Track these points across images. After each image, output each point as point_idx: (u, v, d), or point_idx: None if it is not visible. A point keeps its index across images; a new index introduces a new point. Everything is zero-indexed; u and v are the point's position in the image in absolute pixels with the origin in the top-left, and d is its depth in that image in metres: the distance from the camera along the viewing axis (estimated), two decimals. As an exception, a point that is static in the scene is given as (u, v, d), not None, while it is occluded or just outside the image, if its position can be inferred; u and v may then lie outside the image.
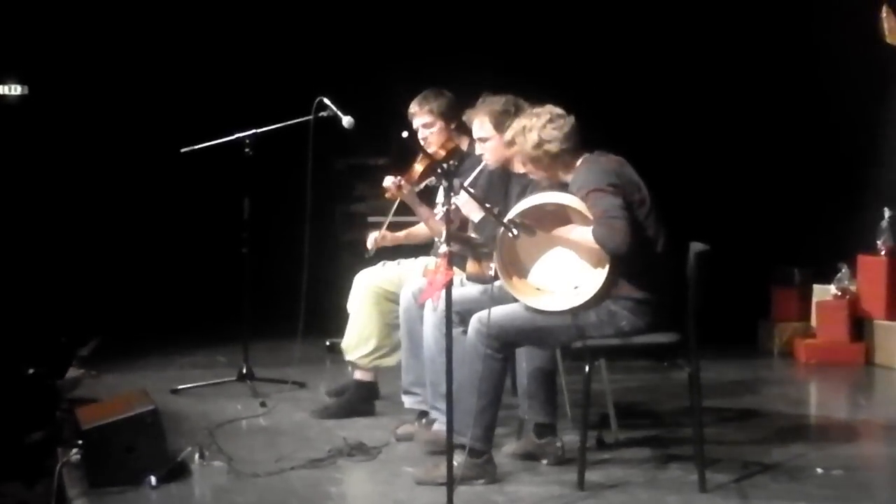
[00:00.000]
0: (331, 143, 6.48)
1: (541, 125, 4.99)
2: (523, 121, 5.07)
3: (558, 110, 5.07)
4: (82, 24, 8.68)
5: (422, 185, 5.99)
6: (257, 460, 5.35)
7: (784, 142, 8.86)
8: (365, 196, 8.31)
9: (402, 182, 5.93)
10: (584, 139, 5.06)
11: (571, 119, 5.05)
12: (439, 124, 6.01)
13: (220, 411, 6.26)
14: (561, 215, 4.96)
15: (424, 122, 6.03)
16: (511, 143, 5.10)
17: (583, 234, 4.87)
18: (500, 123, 5.41)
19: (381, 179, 6.06)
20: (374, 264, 6.24)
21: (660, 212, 5.02)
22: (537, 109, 5.08)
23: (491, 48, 8.80)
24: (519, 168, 5.46)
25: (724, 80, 8.99)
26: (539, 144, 4.99)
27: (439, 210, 5.70)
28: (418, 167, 5.92)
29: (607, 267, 4.85)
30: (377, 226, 6.31)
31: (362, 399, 6.24)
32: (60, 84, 8.46)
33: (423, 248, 6.30)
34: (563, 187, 5.06)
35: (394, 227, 6.28)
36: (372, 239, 6.18)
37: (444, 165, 4.89)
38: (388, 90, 6.60)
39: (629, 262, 4.85)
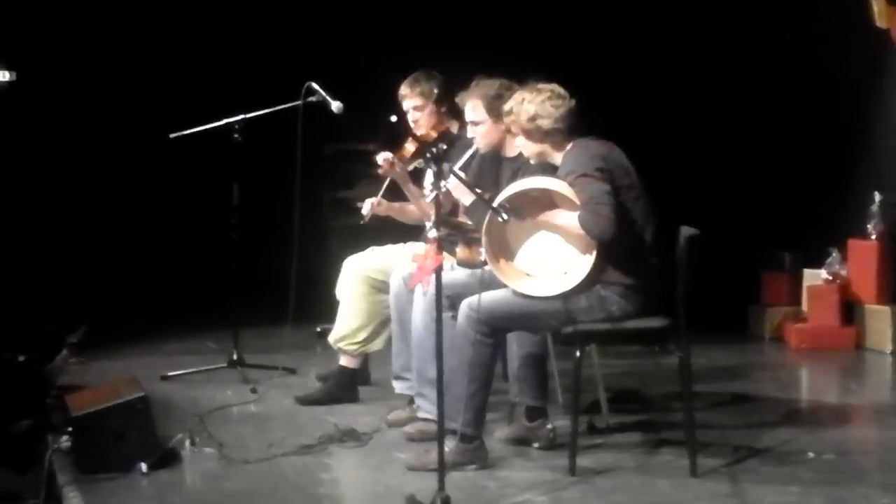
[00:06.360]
0: (320, 128, 6.46)
1: (539, 100, 5.02)
2: (524, 93, 5.10)
3: (561, 90, 5.09)
4: (70, 10, 8.64)
5: (411, 166, 5.97)
6: (248, 447, 5.34)
7: (775, 126, 8.85)
8: (354, 182, 8.29)
9: (395, 160, 5.91)
10: (581, 125, 5.07)
11: (571, 102, 5.07)
12: (430, 107, 5.99)
13: (211, 398, 6.25)
14: (549, 200, 4.95)
15: (415, 104, 6.01)
16: (508, 112, 5.12)
17: (570, 219, 4.85)
18: (493, 108, 5.39)
19: (371, 165, 6.04)
20: (363, 250, 6.22)
21: (649, 196, 5.01)
22: (541, 85, 5.10)
23: (479, 31, 8.79)
24: (510, 152, 5.46)
25: (713, 65, 8.98)
26: (533, 118, 5.02)
27: (428, 194, 5.67)
28: (409, 147, 5.90)
29: (595, 253, 4.84)
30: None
31: (346, 385, 6.21)
32: (48, 70, 8.43)
33: (411, 233, 6.28)
34: (553, 169, 5.06)
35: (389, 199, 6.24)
36: (368, 204, 6.10)
37: (434, 149, 4.87)
38: (378, 75, 6.57)
39: (618, 248, 4.84)
